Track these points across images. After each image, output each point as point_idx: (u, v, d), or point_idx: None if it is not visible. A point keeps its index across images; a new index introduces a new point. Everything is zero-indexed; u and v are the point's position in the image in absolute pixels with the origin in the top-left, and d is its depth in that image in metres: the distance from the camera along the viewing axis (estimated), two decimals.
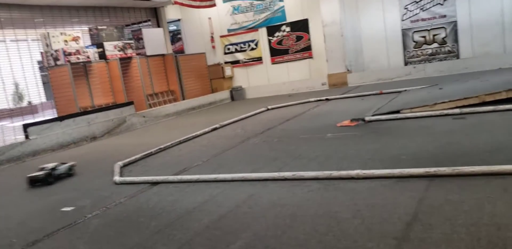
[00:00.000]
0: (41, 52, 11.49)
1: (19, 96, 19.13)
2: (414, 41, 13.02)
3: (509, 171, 3.80)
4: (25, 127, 8.67)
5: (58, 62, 11.10)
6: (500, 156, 4.41)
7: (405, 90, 9.95)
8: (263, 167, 5.31)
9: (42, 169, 5.92)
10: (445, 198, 3.57)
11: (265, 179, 4.72)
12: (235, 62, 15.34)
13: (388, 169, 4.36)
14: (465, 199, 3.53)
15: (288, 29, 14.33)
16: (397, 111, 7.39)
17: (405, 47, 13.16)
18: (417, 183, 4.00)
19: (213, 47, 15.56)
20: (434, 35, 12.69)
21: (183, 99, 13.63)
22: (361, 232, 3.18)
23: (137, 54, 12.79)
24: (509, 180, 3.73)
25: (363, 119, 7.22)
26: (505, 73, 9.52)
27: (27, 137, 8.59)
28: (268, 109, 10.56)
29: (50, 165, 6.01)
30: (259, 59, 14.95)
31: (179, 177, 5.32)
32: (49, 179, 5.86)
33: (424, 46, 12.91)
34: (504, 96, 6.77)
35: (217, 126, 8.85)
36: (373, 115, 7.42)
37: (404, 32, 13.07)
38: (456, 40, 12.50)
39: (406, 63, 13.21)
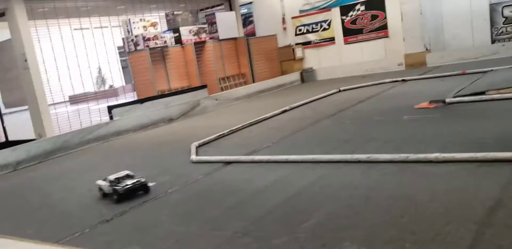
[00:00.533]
0: (122, 38, 12.09)
1: (102, 80, 20.42)
2: (504, 17, 11.99)
3: None
4: (110, 108, 9.24)
5: (138, 48, 11.64)
6: None
7: (491, 70, 9.26)
8: (334, 149, 5.26)
9: (112, 183, 4.48)
10: None
11: (337, 161, 4.67)
12: (306, 44, 15.13)
13: (470, 152, 4.14)
14: None
15: (362, 8, 13.83)
16: (482, 93, 6.92)
17: (492, 23, 12.18)
18: (502, 168, 3.76)
19: (284, 29, 15.45)
20: None
21: (254, 82, 13.75)
22: (438, 215, 3.06)
23: (211, 38, 13.05)
24: None
25: (443, 101, 6.85)
26: None
27: (111, 118, 9.17)
28: (340, 90, 10.35)
29: (120, 175, 4.59)
30: (331, 40, 14.63)
31: (250, 157, 5.43)
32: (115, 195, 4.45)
33: None
34: None
35: (287, 108, 8.85)
36: (454, 97, 7.01)
37: (492, 7, 12.07)
38: None
39: (493, 41, 12.24)
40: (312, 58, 14.99)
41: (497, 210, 3.02)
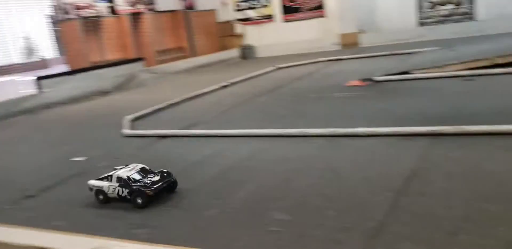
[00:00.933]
0: (53, 6, 11.38)
1: (30, 51, 19.15)
2: (430, 2, 12.64)
3: (511, 131, 3.84)
4: (38, 79, 8.78)
5: (69, 16, 11.03)
6: (505, 117, 4.44)
7: (418, 51, 9.80)
8: (271, 124, 5.39)
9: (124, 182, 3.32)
10: (446, 156, 3.66)
11: (272, 135, 4.82)
12: (246, 20, 15.08)
13: (392, 127, 4.43)
14: (465, 157, 3.60)
15: None
16: (408, 72, 7.34)
17: (419, 7, 12.80)
18: (420, 141, 4.07)
19: (224, 3, 15.26)
20: None
21: (193, 56, 13.57)
22: (360, 185, 3.29)
23: (148, 10, 12.63)
24: (511, 140, 3.78)
25: (373, 80, 7.20)
26: None
27: (39, 89, 8.72)
28: (278, 68, 10.51)
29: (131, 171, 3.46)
30: (270, 17, 14.68)
31: (186, 131, 5.45)
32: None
33: (439, 7, 12.55)
34: None
35: (226, 83, 8.88)
36: (382, 76, 7.38)
37: None
38: (471, 1, 12.12)
39: (420, 24, 12.90)
40: (252, 35, 14.98)
41: (412, 180, 3.30)
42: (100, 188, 3.43)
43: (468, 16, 12.28)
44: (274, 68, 10.46)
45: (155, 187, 3.28)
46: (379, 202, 2.98)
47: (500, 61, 6.79)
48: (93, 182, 3.52)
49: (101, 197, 3.44)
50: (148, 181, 3.33)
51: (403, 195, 3.07)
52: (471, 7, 12.20)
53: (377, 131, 4.35)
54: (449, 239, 2.42)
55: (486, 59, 6.90)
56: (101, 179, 3.50)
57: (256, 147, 4.55)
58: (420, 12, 12.86)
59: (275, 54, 14.07)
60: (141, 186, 3.27)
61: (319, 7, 13.84)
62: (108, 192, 3.37)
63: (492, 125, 4.01)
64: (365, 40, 13.07)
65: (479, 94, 5.63)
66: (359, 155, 3.95)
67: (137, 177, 3.37)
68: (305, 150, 4.27)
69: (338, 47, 13.38)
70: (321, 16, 13.87)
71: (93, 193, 3.49)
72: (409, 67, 7.71)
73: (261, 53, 14.67)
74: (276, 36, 14.54)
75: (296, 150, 4.32)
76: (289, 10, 14.34)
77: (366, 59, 10.29)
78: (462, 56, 7.59)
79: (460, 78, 6.63)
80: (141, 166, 3.54)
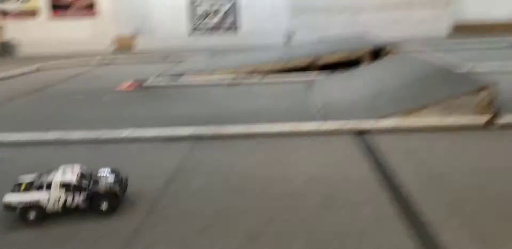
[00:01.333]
0: None
1: None
2: (199, 13, 13.53)
3: (263, 132, 4.30)
4: None
5: None
6: (258, 118, 4.90)
7: (189, 58, 10.21)
8: (27, 128, 4.77)
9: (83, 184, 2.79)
10: (206, 156, 3.83)
11: (24, 143, 4.27)
12: (5, 13, 13.23)
13: (158, 129, 4.44)
14: (223, 156, 3.84)
15: None
16: (177, 78, 7.56)
17: (191, 17, 13.52)
18: (184, 144, 4.17)
19: None
20: (216, 9, 13.43)
21: None
22: (131, 188, 3.13)
23: None
24: (260, 140, 4.20)
25: (143, 84, 7.17)
26: (276, 48, 10.56)
27: None
28: (40, 69, 9.51)
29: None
30: (34, 13, 13.22)
31: None
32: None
33: (208, 19, 13.51)
34: (271, 68, 7.59)
35: None
36: (152, 80, 7.44)
37: (191, 3, 13.43)
38: (236, 15, 13.42)
39: (191, 33, 13.58)
40: (15, 30, 13.20)
41: (173, 180, 3.34)
42: (33, 203, 2.59)
43: (233, 28, 13.50)
44: (36, 68, 9.42)
45: (121, 186, 2.81)
46: (139, 209, 2.91)
47: (259, 69, 7.62)
48: (14, 198, 2.62)
49: (32, 215, 2.61)
50: (106, 181, 2.79)
51: (163, 196, 3.08)
52: (236, 20, 13.45)
53: (142, 135, 4.29)
54: (199, 236, 2.51)
55: (248, 67, 7.65)
56: (24, 191, 2.64)
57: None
58: (192, 20, 13.53)
59: (42, 53, 12.70)
60: (105, 186, 2.71)
61: (92, 6, 13.14)
62: (47, 206, 2.60)
63: (248, 126, 4.39)
64: (139, 44, 12.99)
65: (241, 99, 6.13)
66: (124, 159, 3.81)
67: (83, 180, 2.76)
68: (65, 156, 3.88)
69: (112, 50, 12.94)
70: (93, 16, 13.18)
71: (15, 212, 2.62)
72: (179, 72, 7.95)
73: (25, 51, 13.02)
74: (43, 34, 13.13)
75: (55, 157, 3.91)
76: (58, 7, 13.18)
77: (139, 63, 10.21)
78: (228, 64, 8.24)
79: (225, 84, 7.16)
80: (76, 166, 2.88)
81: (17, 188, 2.74)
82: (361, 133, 4.19)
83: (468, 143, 3.85)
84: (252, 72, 7.58)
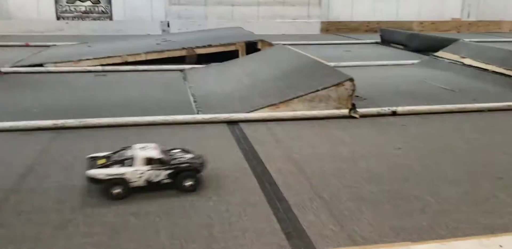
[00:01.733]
0: None
1: None
2: None
3: (131, 122, 4.11)
4: None
5: None
6: (129, 109, 4.69)
7: (54, 45, 9.39)
8: None
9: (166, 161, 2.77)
10: (67, 149, 3.54)
11: None
12: None
13: (14, 121, 3.99)
14: (86, 148, 3.57)
15: None
16: (40, 65, 6.91)
17: (57, 0, 12.38)
18: (43, 135, 3.82)
19: None
20: None
21: None
22: None
23: None
24: (129, 131, 4.00)
25: (0, 71, 6.42)
26: (150, 38, 10.21)
27: None
28: None
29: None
30: None
31: None
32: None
33: (78, 3, 12.48)
34: (143, 58, 7.30)
35: None
36: (12, 67, 6.71)
37: None
38: (109, 1, 12.63)
39: (58, 18, 12.48)
40: None
41: (28, 176, 3.03)
42: (119, 177, 2.57)
43: (106, 15, 12.69)
44: None
45: (203, 165, 2.78)
46: None
47: (130, 59, 7.29)
48: (100, 171, 2.59)
49: (118, 190, 2.60)
50: (187, 159, 2.76)
51: (14, 193, 2.77)
52: (109, 6, 12.65)
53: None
54: (59, 234, 2.31)
55: (119, 56, 7.26)
56: (107, 166, 2.61)
57: None
58: (59, 5, 12.40)
59: None
60: (189, 163, 2.70)
61: None
62: (132, 180, 2.57)
63: (114, 118, 4.17)
64: None
65: (109, 89, 5.81)
66: None
67: (165, 156, 2.73)
68: None
69: None
70: None
71: (101, 186, 2.61)
72: (43, 60, 7.26)
73: None
74: None
75: None
76: None
77: None
78: (97, 52, 7.71)
79: (93, 73, 6.73)
80: (152, 144, 2.80)
81: (94, 163, 2.69)
82: (234, 123, 4.24)
83: (331, 132, 4.12)
84: (123, 62, 7.22)
